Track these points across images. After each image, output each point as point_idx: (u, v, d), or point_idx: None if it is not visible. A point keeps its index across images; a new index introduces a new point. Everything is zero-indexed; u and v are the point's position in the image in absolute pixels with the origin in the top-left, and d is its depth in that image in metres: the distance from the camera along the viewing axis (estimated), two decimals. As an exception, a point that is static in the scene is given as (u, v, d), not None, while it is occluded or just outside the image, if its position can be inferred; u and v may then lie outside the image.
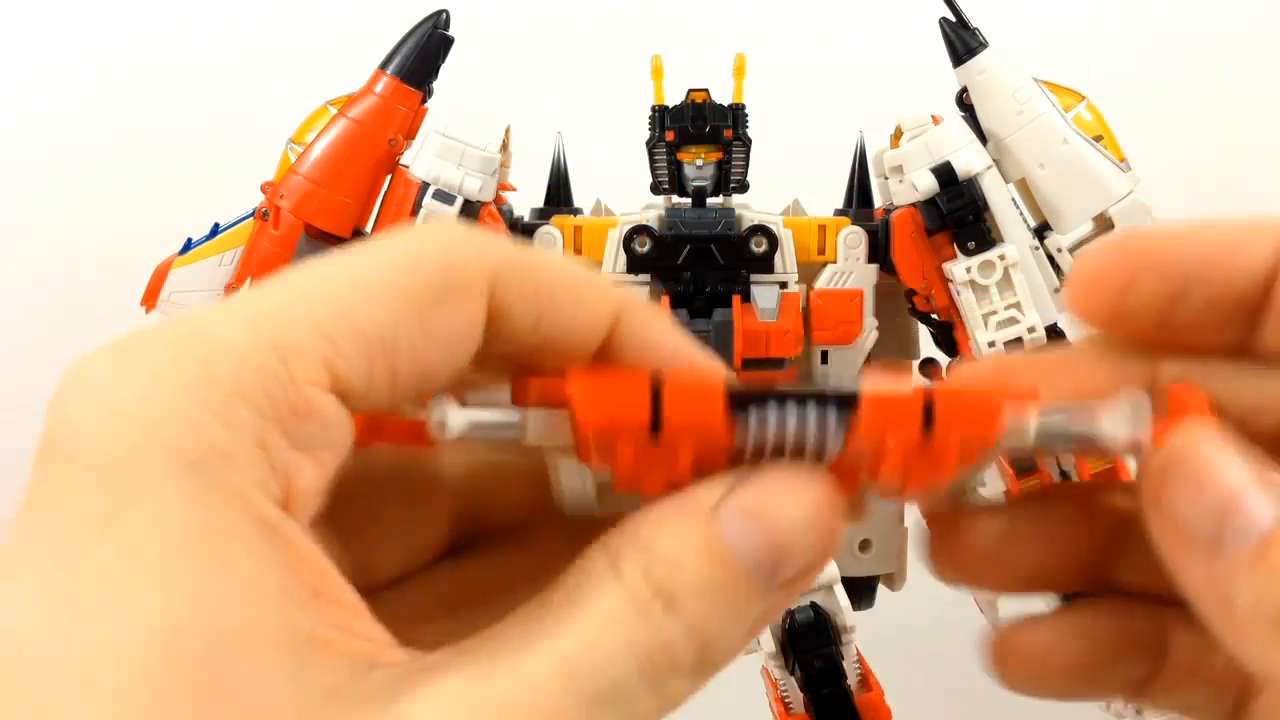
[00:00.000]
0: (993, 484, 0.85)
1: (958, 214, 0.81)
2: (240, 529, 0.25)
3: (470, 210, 0.82)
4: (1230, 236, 0.35)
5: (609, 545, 0.29)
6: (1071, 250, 0.84)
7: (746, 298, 0.83)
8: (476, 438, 0.31)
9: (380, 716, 0.25)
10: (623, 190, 0.93)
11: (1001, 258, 0.81)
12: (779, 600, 0.30)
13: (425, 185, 0.81)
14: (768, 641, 0.84)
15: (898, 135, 0.84)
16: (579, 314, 0.31)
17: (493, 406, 0.31)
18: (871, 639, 0.87)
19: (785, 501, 0.30)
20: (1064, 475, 0.86)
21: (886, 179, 0.85)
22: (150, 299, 0.87)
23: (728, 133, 0.83)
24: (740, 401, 0.31)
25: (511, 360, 0.32)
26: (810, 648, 0.83)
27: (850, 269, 0.85)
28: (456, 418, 0.31)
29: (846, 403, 0.32)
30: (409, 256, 0.29)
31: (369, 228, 0.86)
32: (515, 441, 0.31)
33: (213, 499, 0.25)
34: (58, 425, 0.27)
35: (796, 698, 0.85)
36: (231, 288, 0.85)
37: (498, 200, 0.85)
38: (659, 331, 0.33)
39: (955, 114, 0.85)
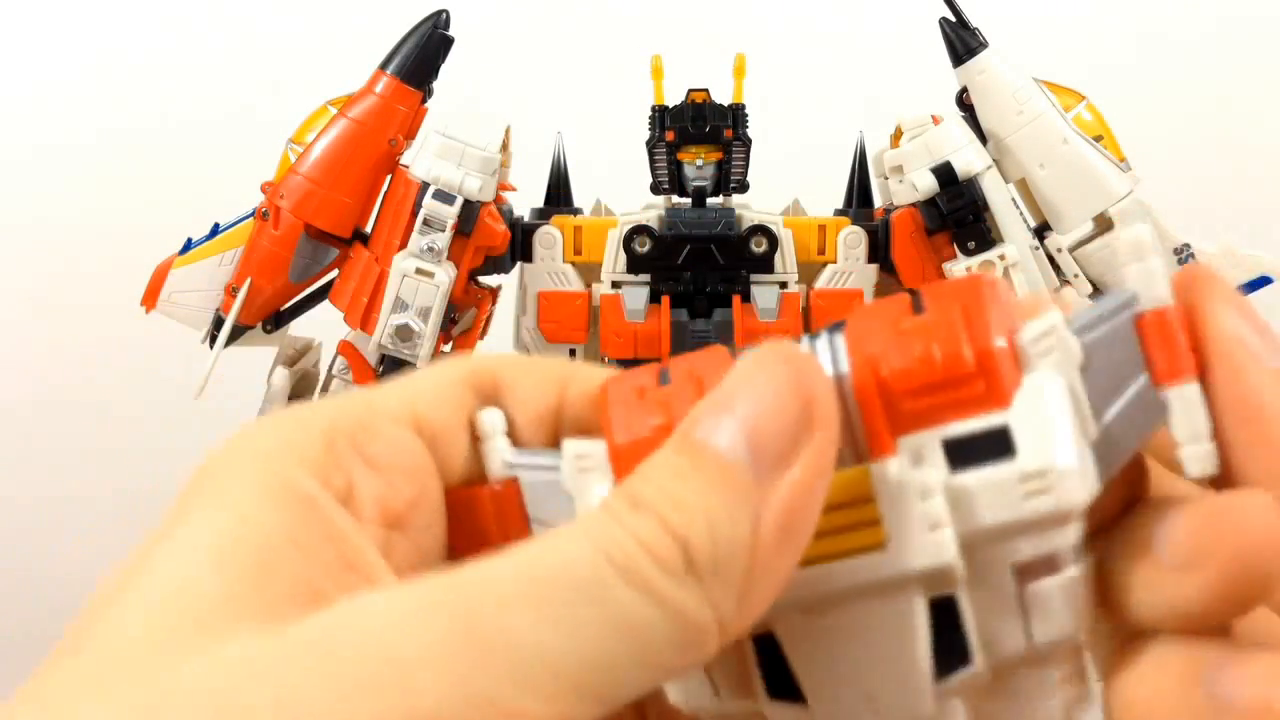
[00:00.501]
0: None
1: (958, 214, 0.81)
2: (269, 488, 0.29)
3: (470, 210, 0.82)
4: None
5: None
6: (1072, 250, 0.84)
7: (746, 298, 0.83)
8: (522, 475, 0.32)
9: (315, 615, 0.26)
10: (623, 190, 0.93)
11: (1001, 258, 0.81)
12: (786, 491, 0.28)
13: (425, 185, 0.81)
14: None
15: (898, 135, 0.84)
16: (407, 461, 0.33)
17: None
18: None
19: (749, 384, 0.28)
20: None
21: (886, 179, 0.85)
22: (150, 299, 0.87)
23: (728, 133, 0.83)
24: None
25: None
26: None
27: (850, 269, 0.85)
28: (504, 455, 0.32)
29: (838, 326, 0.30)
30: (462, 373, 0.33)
31: (369, 228, 0.86)
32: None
33: (265, 481, 0.29)
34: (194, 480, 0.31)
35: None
36: (231, 288, 0.85)
37: (498, 200, 0.85)
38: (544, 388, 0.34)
39: (955, 114, 0.85)
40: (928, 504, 0.29)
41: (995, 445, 0.29)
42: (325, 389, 0.88)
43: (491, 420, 0.32)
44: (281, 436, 0.30)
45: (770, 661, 0.30)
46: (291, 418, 0.31)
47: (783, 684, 0.30)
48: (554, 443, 0.33)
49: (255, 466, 0.29)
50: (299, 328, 0.91)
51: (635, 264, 0.83)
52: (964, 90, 0.85)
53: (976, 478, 0.29)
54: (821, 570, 0.29)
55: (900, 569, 0.29)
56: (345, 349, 0.87)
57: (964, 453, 0.29)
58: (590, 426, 0.33)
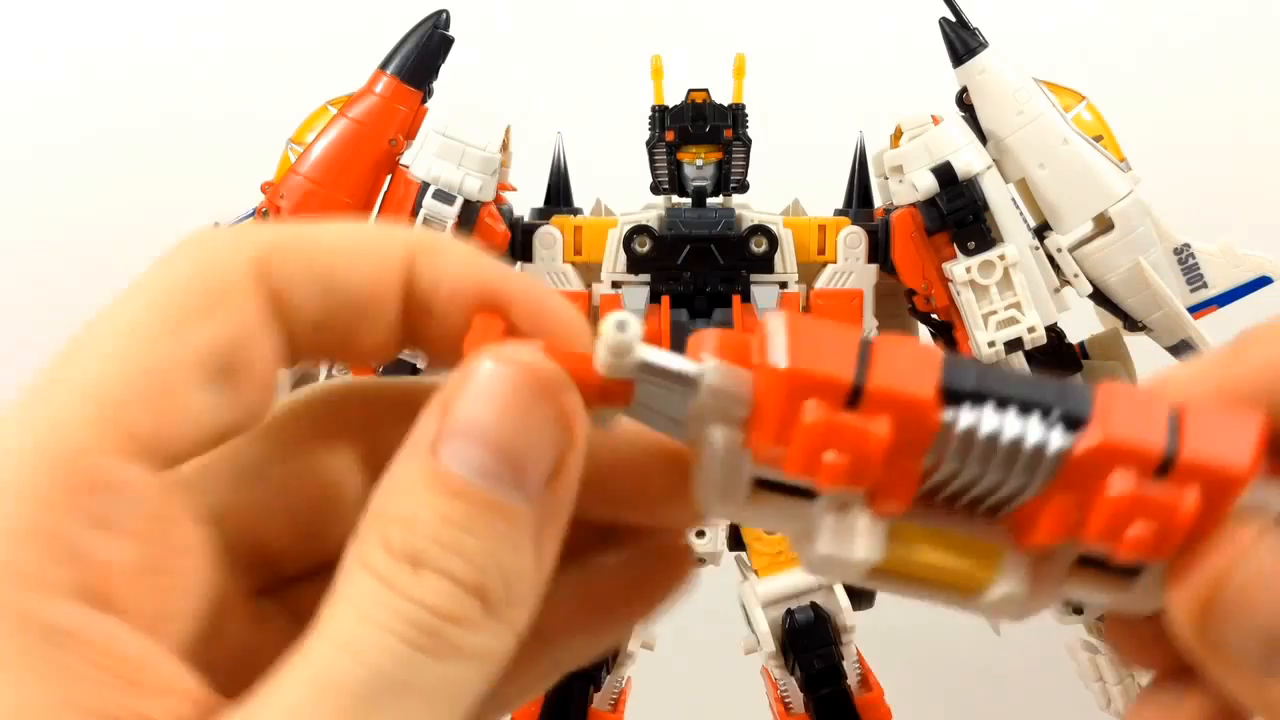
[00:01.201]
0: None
1: (958, 214, 0.81)
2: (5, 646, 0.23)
3: (470, 210, 0.82)
4: None
5: (356, 531, 0.26)
6: (1072, 250, 0.84)
7: (746, 298, 0.83)
8: (641, 387, 0.28)
9: None
10: (623, 190, 0.93)
11: (1001, 258, 0.81)
12: (555, 504, 0.26)
13: (425, 185, 0.81)
14: (768, 641, 0.84)
15: (898, 135, 0.84)
16: (365, 262, 0.29)
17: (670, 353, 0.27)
18: (871, 639, 0.88)
19: (495, 402, 0.26)
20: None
21: (886, 179, 0.85)
22: (150, 299, 0.87)
23: (728, 133, 0.83)
24: (956, 388, 0.27)
25: (322, 348, 0.31)
26: (810, 648, 0.83)
27: (850, 269, 0.85)
28: (632, 351, 0.27)
29: (1074, 423, 0.26)
30: (160, 287, 0.27)
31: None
32: (663, 413, 0.28)
33: None
34: None
35: (797, 698, 0.85)
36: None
37: (498, 200, 0.85)
38: (472, 268, 0.29)
39: (955, 114, 0.85)
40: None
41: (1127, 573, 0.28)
42: (325, 389, 0.87)
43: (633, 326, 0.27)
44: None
45: None
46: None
47: None
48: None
49: None
50: (299, 328, 0.91)
51: (635, 264, 0.83)
52: (964, 90, 0.85)
53: (1091, 590, 0.29)
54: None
55: (984, 607, 0.29)
56: (345, 349, 0.86)
57: (1094, 563, 0.28)
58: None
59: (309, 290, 0.28)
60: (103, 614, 0.24)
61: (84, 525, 0.24)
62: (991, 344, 0.81)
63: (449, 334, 0.29)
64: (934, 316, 0.87)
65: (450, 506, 0.25)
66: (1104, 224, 0.84)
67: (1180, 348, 0.88)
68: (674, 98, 0.84)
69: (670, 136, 0.83)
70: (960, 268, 0.81)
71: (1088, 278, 0.84)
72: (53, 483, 0.24)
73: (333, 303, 0.29)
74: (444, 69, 0.85)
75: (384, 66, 0.84)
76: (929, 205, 0.81)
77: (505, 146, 0.86)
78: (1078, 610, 0.87)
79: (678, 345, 0.81)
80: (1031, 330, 0.81)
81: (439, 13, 0.84)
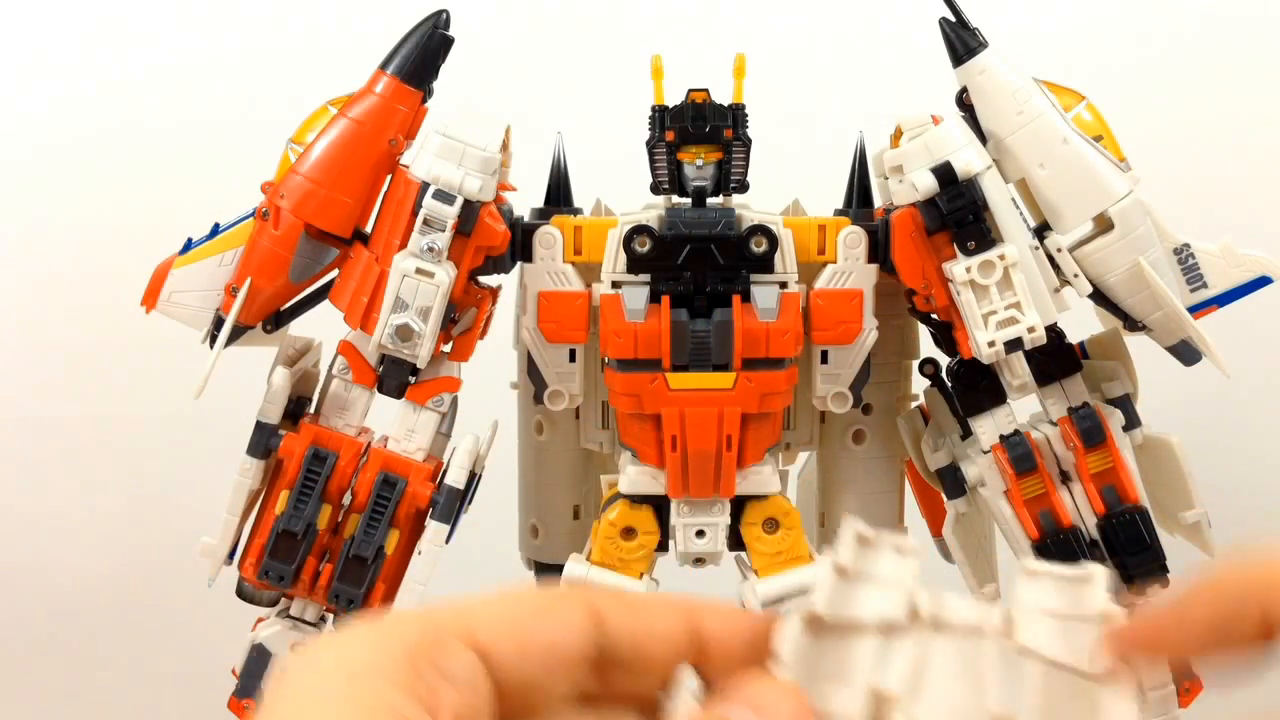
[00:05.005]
0: (992, 482, 0.85)
1: (958, 214, 0.81)
2: (368, 708, 0.35)
3: (470, 210, 0.82)
4: None
5: None
6: (1071, 250, 0.84)
7: (746, 297, 0.83)
8: None
9: None
10: (623, 190, 0.93)
11: (1001, 257, 0.81)
12: None
13: (425, 185, 0.81)
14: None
15: (898, 135, 0.84)
16: (548, 623, 0.41)
17: None
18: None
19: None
20: (1064, 475, 0.86)
21: (886, 179, 0.85)
22: (150, 299, 0.87)
23: (728, 133, 0.83)
24: None
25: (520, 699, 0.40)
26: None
27: (850, 269, 0.85)
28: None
29: None
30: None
31: (369, 228, 0.86)
32: None
33: (370, 703, 0.35)
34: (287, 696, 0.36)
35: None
36: (231, 288, 0.85)
37: (498, 200, 0.85)
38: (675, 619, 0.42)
39: (955, 114, 0.85)
40: None
41: None
42: (325, 389, 0.88)
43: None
44: (367, 658, 0.36)
45: None
46: (369, 638, 0.37)
47: None
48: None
49: (351, 688, 0.35)
50: (299, 328, 0.91)
51: (635, 264, 0.83)
52: (964, 90, 0.85)
53: None
54: None
55: None
56: (345, 349, 0.87)
57: None
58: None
59: (507, 646, 0.39)
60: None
61: (434, 669, 0.37)
62: (991, 344, 0.81)
63: (641, 683, 0.41)
64: (934, 316, 0.87)
65: None
66: (1104, 224, 0.84)
67: (1180, 348, 0.88)
68: (674, 98, 0.84)
69: (670, 136, 0.83)
70: (960, 268, 0.81)
71: (1088, 278, 0.84)
72: (421, 638, 0.37)
73: (527, 659, 0.40)
74: (444, 69, 0.85)
75: (384, 66, 0.84)
76: (929, 205, 0.81)
77: (505, 146, 0.85)
78: None
79: (678, 345, 0.82)
80: (1031, 330, 0.81)
81: (439, 13, 0.84)
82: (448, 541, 0.85)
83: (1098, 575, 0.41)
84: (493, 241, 0.83)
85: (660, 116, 0.84)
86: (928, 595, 0.41)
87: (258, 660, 0.87)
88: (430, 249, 0.81)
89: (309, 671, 0.36)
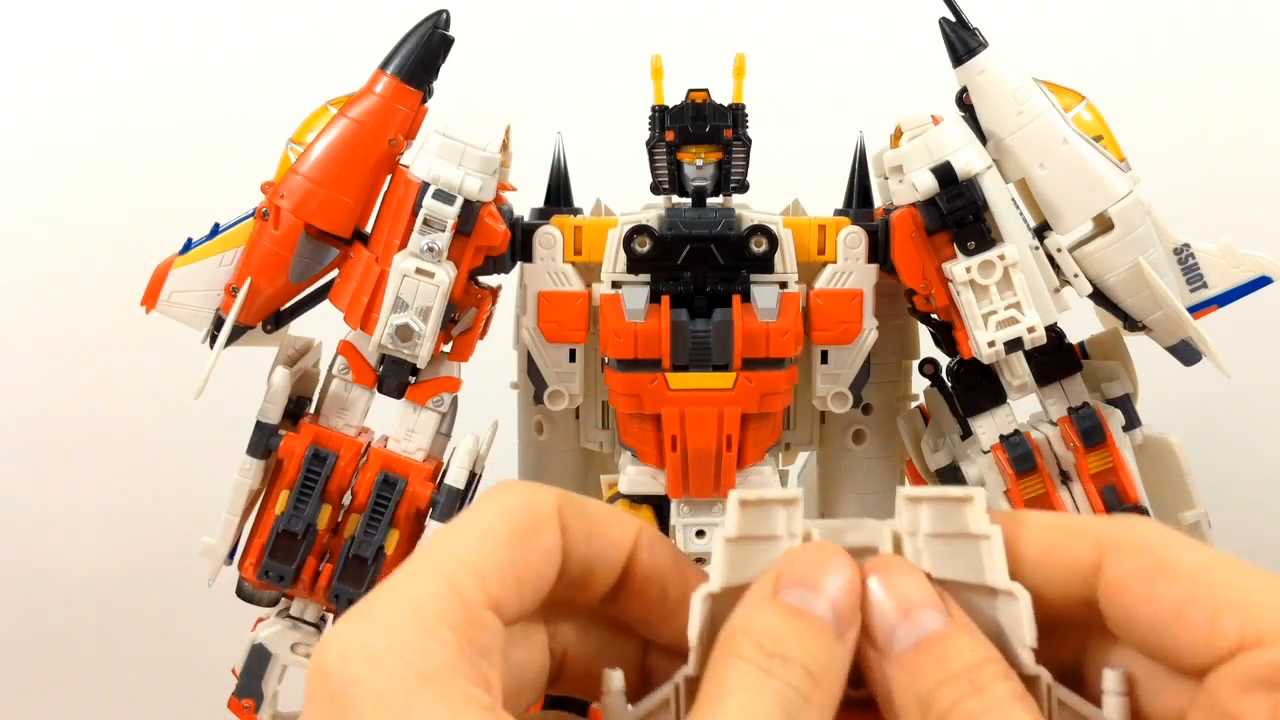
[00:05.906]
0: (992, 482, 0.85)
1: (958, 214, 0.81)
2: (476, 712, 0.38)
3: (470, 210, 0.82)
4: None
5: (723, 646, 0.41)
6: (1072, 250, 0.84)
7: (746, 297, 0.83)
8: None
9: None
10: (623, 190, 0.93)
11: (1001, 257, 0.81)
12: (847, 651, 0.41)
13: (425, 185, 0.81)
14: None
15: (898, 135, 0.84)
16: (614, 531, 0.45)
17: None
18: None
19: (823, 576, 0.42)
20: (1064, 475, 0.86)
21: (886, 179, 0.85)
22: (150, 299, 0.87)
23: (728, 133, 0.83)
24: None
25: (571, 579, 0.44)
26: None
27: (850, 269, 0.85)
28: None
29: None
30: (507, 509, 0.43)
31: (369, 227, 0.86)
32: None
33: (456, 697, 0.37)
34: (330, 677, 0.38)
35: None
36: (231, 288, 0.85)
37: (498, 200, 0.85)
38: (668, 552, 0.47)
39: (955, 114, 0.85)
40: None
41: None
42: (325, 389, 0.88)
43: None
44: (430, 653, 0.38)
45: None
46: (414, 627, 0.38)
47: None
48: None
49: (434, 690, 0.37)
50: (299, 328, 0.92)
51: (635, 264, 0.83)
52: (964, 90, 0.85)
53: None
54: None
55: None
56: (345, 349, 0.87)
57: None
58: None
59: (580, 534, 0.44)
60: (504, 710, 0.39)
61: (478, 652, 0.39)
62: (991, 344, 0.81)
63: (646, 599, 0.46)
64: (934, 316, 0.87)
65: (804, 626, 0.41)
66: (1104, 224, 0.84)
67: (1180, 348, 0.88)
68: (674, 98, 0.84)
69: (670, 136, 0.83)
70: (960, 268, 0.81)
71: (1087, 278, 0.84)
72: (459, 623, 0.39)
73: (590, 550, 0.44)
74: (444, 69, 0.85)
75: (384, 66, 0.84)
76: (929, 205, 0.81)
77: (505, 146, 0.85)
78: None
79: (678, 345, 0.82)
80: (1031, 330, 0.81)
81: (439, 13, 0.84)
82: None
83: (978, 496, 0.44)
84: (493, 241, 0.83)
85: (660, 116, 0.84)
86: (819, 528, 0.45)
87: (258, 660, 0.87)
88: (430, 249, 0.81)
89: (374, 672, 0.37)
